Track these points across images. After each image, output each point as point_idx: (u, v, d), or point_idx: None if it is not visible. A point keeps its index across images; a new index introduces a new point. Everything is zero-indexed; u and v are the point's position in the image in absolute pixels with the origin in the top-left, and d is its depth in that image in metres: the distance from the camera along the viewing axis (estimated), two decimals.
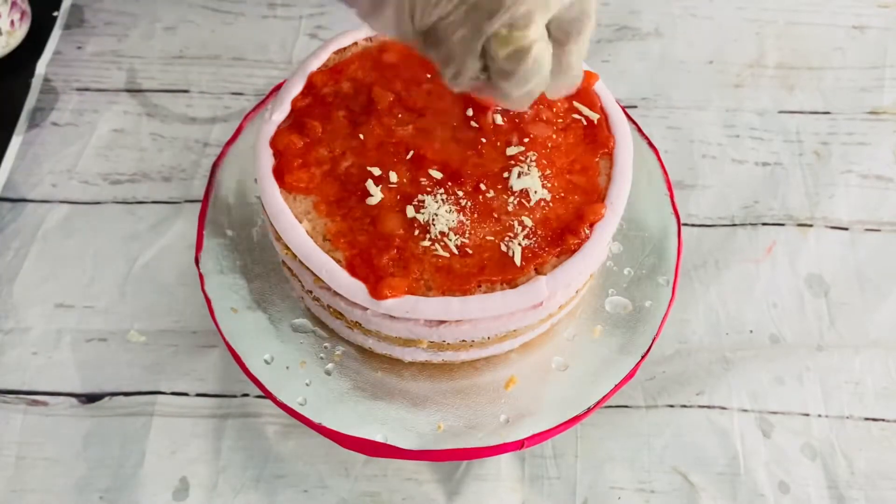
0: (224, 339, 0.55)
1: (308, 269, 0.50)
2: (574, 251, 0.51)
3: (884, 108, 0.76)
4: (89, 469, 0.58)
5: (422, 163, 0.53)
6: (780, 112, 0.75)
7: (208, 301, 0.56)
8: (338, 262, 0.50)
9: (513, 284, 0.50)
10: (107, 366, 0.62)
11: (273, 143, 0.53)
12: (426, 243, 0.50)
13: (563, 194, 0.53)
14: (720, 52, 0.79)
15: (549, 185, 0.53)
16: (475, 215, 0.51)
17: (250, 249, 0.59)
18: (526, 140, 0.54)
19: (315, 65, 0.57)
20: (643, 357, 0.55)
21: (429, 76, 0.56)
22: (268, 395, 0.54)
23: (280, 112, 0.55)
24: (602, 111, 0.56)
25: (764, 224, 0.69)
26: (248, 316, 0.57)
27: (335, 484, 0.58)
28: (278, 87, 0.61)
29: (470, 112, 0.55)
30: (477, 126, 0.54)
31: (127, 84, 0.76)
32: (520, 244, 0.50)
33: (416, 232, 0.51)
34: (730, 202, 0.70)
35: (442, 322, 0.50)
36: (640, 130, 0.64)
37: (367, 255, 0.50)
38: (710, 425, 0.60)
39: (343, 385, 0.55)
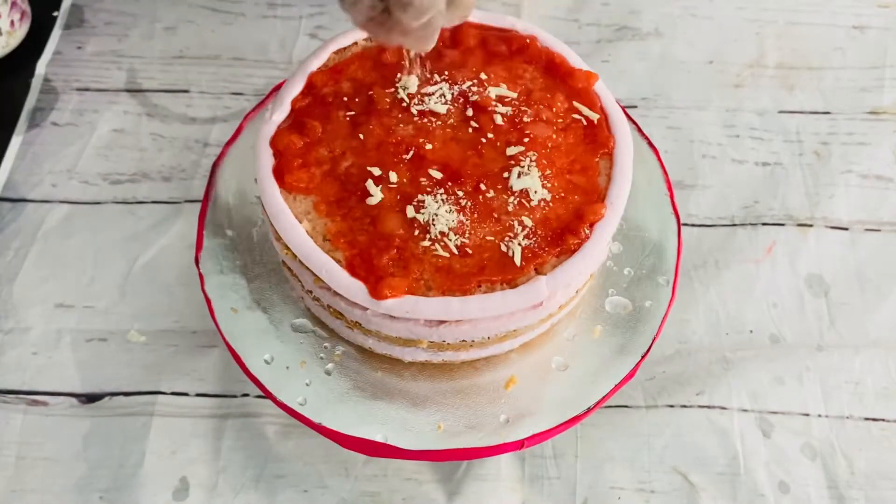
0: (224, 339, 0.55)
1: (308, 269, 0.50)
2: (574, 251, 0.51)
3: (884, 108, 0.76)
4: (89, 469, 0.58)
5: (422, 163, 0.53)
6: (780, 112, 0.75)
7: (208, 301, 0.56)
8: (338, 262, 0.50)
9: (513, 284, 0.50)
10: (107, 366, 0.62)
11: (273, 143, 0.53)
12: (426, 243, 0.50)
13: (563, 194, 0.53)
14: (720, 52, 0.79)
15: (549, 185, 0.53)
16: (475, 215, 0.51)
17: (250, 249, 0.59)
18: (526, 140, 0.54)
19: (315, 65, 0.57)
20: (643, 357, 0.55)
21: (428, 75, 0.56)
22: (268, 395, 0.54)
23: (280, 112, 0.55)
24: (602, 111, 0.56)
25: (764, 224, 0.69)
26: (248, 316, 0.57)
27: (335, 484, 0.58)
28: (278, 87, 0.61)
29: (470, 112, 0.55)
30: (477, 126, 0.54)
31: (127, 84, 0.76)
32: (520, 244, 0.50)
33: (416, 232, 0.51)
34: (730, 202, 0.70)
35: (442, 322, 0.50)
36: (640, 130, 0.64)
37: (367, 255, 0.50)
38: (710, 425, 0.60)
39: (343, 385, 0.55)
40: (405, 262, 0.50)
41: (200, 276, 0.57)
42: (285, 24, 0.80)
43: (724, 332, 0.64)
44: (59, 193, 0.69)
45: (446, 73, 0.56)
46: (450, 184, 0.52)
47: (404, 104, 0.55)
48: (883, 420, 0.61)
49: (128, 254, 0.66)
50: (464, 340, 0.52)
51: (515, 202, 0.52)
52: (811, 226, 0.69)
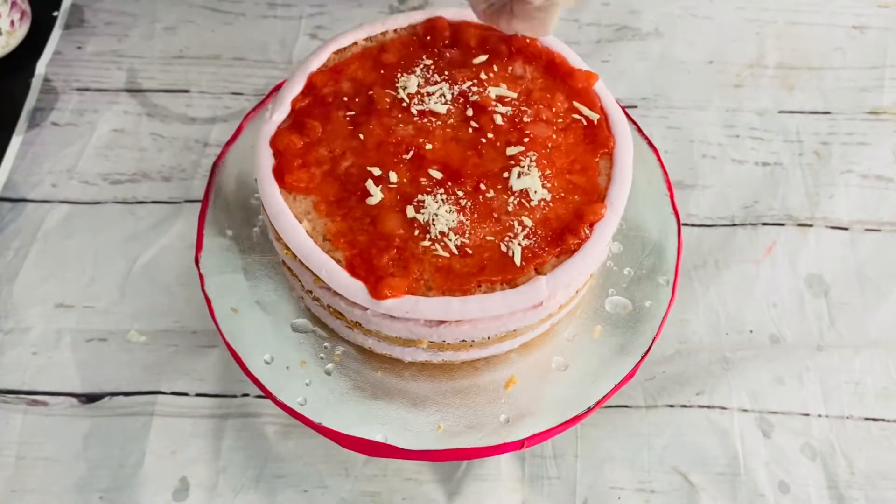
0: (224, 339, 0.55)
1: (308, 269, 0.50)
2: (574, 251, 0.51)
3: (884, 108, 0.76)
4: (89, 469, 0.58)
5: (422, 163, 0.53)
6: (780, 112, 0.75)
7: (208, 301, 0.56)
8: (338, 262, 0.50)
9: (513, 284, 0.50)
10: (107, 366, 0.62)
11: (273, 143, 0.53)
12: (426, 243, 0.50)
13: (563, 194, 0.53)
14: (720, 52, 0.79)
15: (549, 185, 0.53)
16: (475, 215, 0.51)
17: (250, 249, 0.59)
18: (526, 140, 0.54)
19: (315, 65, 0.57)
20: (643, 357, 0.55)
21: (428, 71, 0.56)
22: (268, 395, 0.54)
23: (280, 112, 0.55)
24: (602, 111, 0.56)
25: (764, 224, 0.69)
26: (248, 316, 0.57)
27: (335, 484, 0.58)
28: (278, 87, 0.61)
29: (470, 112, 0.55)
30: (477, 126, 0.54)
31: (127, 84, 0.76)
32: (520, 244, 0.50)
33: (416, 232, 0.51)
34: (730, 202, 0.70)
35: (442, 322, 0.50)
36: (640, 130, 0.64)
37: (367, 255, 0.50)
38: (710, 425, 0.60)
39: (343, 385, 0.55)
40: (405, 262, 0.50)
41: (200, 276, 0.57)
42: (285, 24, 0.80)
43: (724, 332, 0.64)
44: (59, 193, 0.69)
45: (446, 73, 0.56)
46: (450, 184, 0.52)
47: (404, 104, 0.55)
48: (883, 420, 0.61)
49: (128, 254, 0.66)
50: (464, 340, 0.52)
51: (515, 202, 0.52)
52: (811, 226, 0.69)
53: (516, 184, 0.52)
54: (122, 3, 0.81)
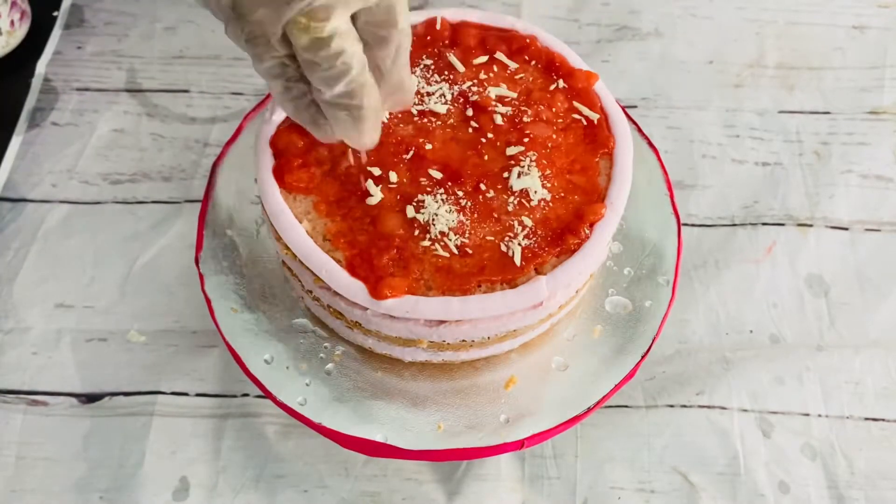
0: (224, 339, 0.55)
1: (308, 268, 0.50)
2: (574, 251, 0.51)
3: (884, 108, 0.76)
4: (89, 469, 0.58)
5: (422, 163, 0.53)
6: (780, 112, 0.75)
7: (208, 301, 0.56)
8: (338, 262, 0.50)
9: (513, 284, 0.50)
10: (107, 366, 0.62)
11: (273, 142, 0.53)
12: (426, 243, 0.50)
13: (563, 194, 0.53)
14: (720, 52, 0.79)
15: (549, 185, 0.53)
16: (475, 215, 0.51)
17: (250, 249, 0.59)
18: (526, 140, 0.54)
19: None
20: (643, 357, 0.55)
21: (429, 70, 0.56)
22: (268, 395, 0.54)
23: (280, 112, 0.55)
24: (602, 111, 0.56)
25: (764, 224, 0.69)
26: (248, 316, 0.57)
27: (335, 484, 0.58)
28: None
29: (470, 112, 0.55)
30: (477, 126, 0.54)
31: (127, 84, 0.76)
32: (520, 244, 0.50)
33: (416, 232, 0.50)
34: (730, 202, 0.70)
35: (442, 322, 0.50)
36: (640, 130, 0.64)
37: (367, 255, 0.50)
38: (710, 425, 0.60)
39: (343, 385, 0.55)
40: (405, 262, 0.50)
41: (200, 276, 0.57)
42: None
43: (724, 332, 0.64)
44: (59, 193, 0.69)
45: (446, 73, 0.56)
46: (450, 184, 0.52)
47: None
48: (883, 420, 0.61)
49: (128, 254, 0.66)
50: (464, 340, 0.52)
51: (515, 202, 0.52)
52: (811, 226, 0.69)
53: (516, 184, 0.52)
54: (122, 3, 0.81)
